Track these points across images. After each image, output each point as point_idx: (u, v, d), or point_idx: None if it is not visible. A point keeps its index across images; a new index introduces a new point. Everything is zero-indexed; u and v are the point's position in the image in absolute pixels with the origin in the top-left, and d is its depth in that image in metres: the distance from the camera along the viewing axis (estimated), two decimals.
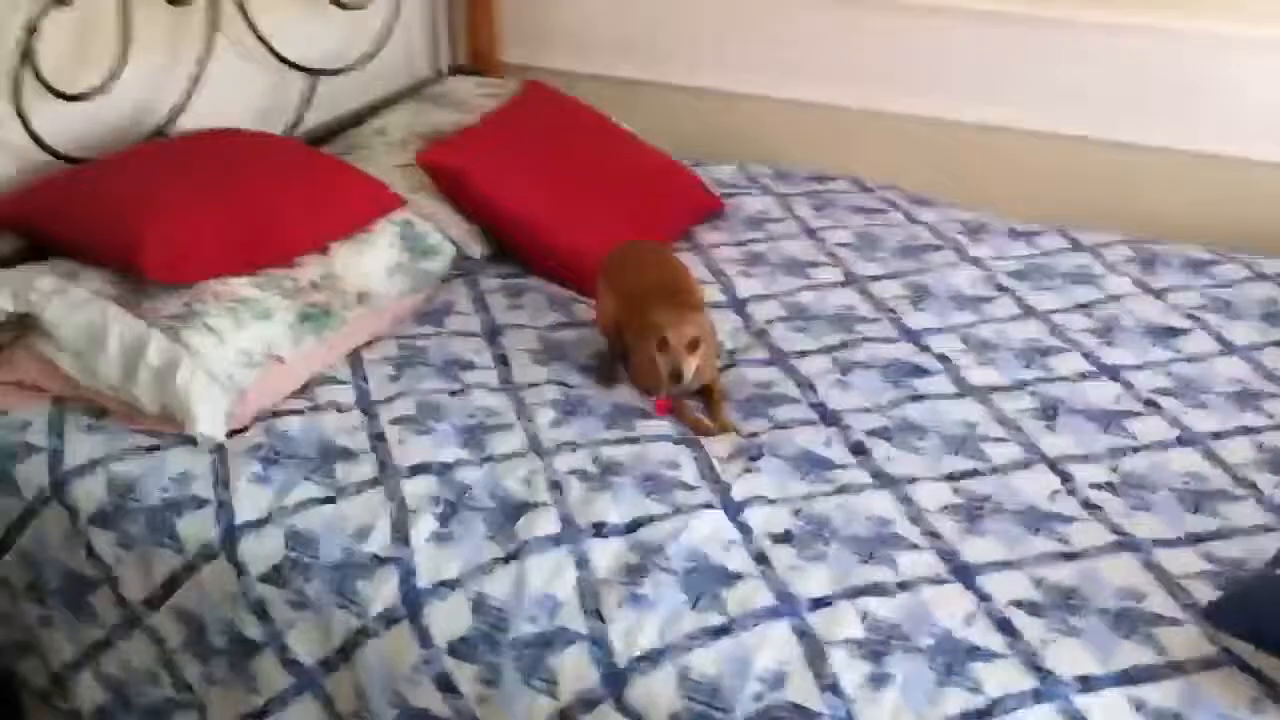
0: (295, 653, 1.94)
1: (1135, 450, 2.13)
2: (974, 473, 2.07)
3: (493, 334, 2.50)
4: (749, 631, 1.75)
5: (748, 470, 2.07)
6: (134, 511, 2.06)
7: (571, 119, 2.99)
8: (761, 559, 1.88)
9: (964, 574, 1.85)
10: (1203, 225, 3.00)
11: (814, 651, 1.72)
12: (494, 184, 2.70)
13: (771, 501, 2.00)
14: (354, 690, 1.91)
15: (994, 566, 1.86)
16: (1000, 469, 2.08)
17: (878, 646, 1.72)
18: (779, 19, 3.31)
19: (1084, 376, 2.34)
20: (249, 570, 1.97)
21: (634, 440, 2.16)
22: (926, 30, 3.17)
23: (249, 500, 2.03)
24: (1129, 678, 1.67)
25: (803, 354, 2.43)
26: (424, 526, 1.96)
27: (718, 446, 2.15)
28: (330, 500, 2.02)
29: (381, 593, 1.89)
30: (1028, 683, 1.66)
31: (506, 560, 1.89)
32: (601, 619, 1.80)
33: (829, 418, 2.23)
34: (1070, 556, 1.88)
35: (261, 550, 1.97)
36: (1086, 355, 2.41)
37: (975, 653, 1.71)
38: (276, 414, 2.22)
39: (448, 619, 1.84)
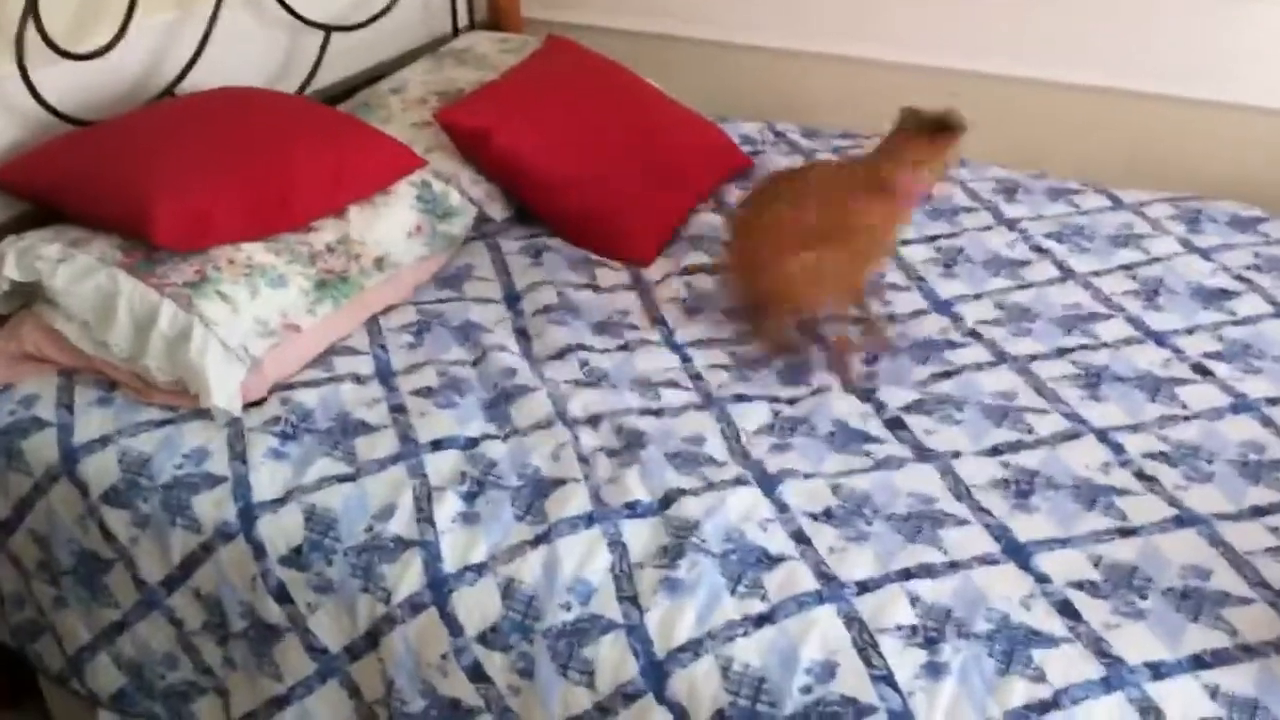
0: (319, 638, 1.87)
1: (1187, 419, 2.04)
2: (1019, 445, 1.99)
3: (513, 299, 2.42)
4: (793, 618, 1.67)
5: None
6: (147, 489, 1.98)
7: (595, 75, 2.89)
8: (801, 538, 1.80)
9: (1017, 553, 1.76)
10: (1244, 180, 2.90)
11: (864, 639, 1.64)
12: (517, 143, 2.60)
13: (808, 476, 1.91)
14: (381, 678, 1.83)
15: (1048, 544, 1.78)
16: (1046, 441, 2.00)
17: (931, 633, 1.64)
18: None
19: (1128, 342, 2.25)
20: (268, 552, 1.89)
21: (657, 412, 2.08)
22: None
23: (266, 477, 1.96)
24: (1201, 662, 1.59)
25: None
26: (449, 506, 1.88)
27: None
28: (350, 478, 1.94)
29: (406, 577, 1.81)
30: (1094, 670, 1.58)
31: (536, 543, 1.81)
32: (638, 606, 1.72)
33: (861, 392, 2.14)
34: (1128, 533, 1.80)
35: (280, 531, 1.90)
36: (1131, 320, 2.31)
37: (1036, 638, 1.63)
38: (293, 385, 2.14)
39: (477, 606, 1.77)
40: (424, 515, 1.87)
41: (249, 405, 2.08)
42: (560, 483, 1.90)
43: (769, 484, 1.89)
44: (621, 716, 1.67)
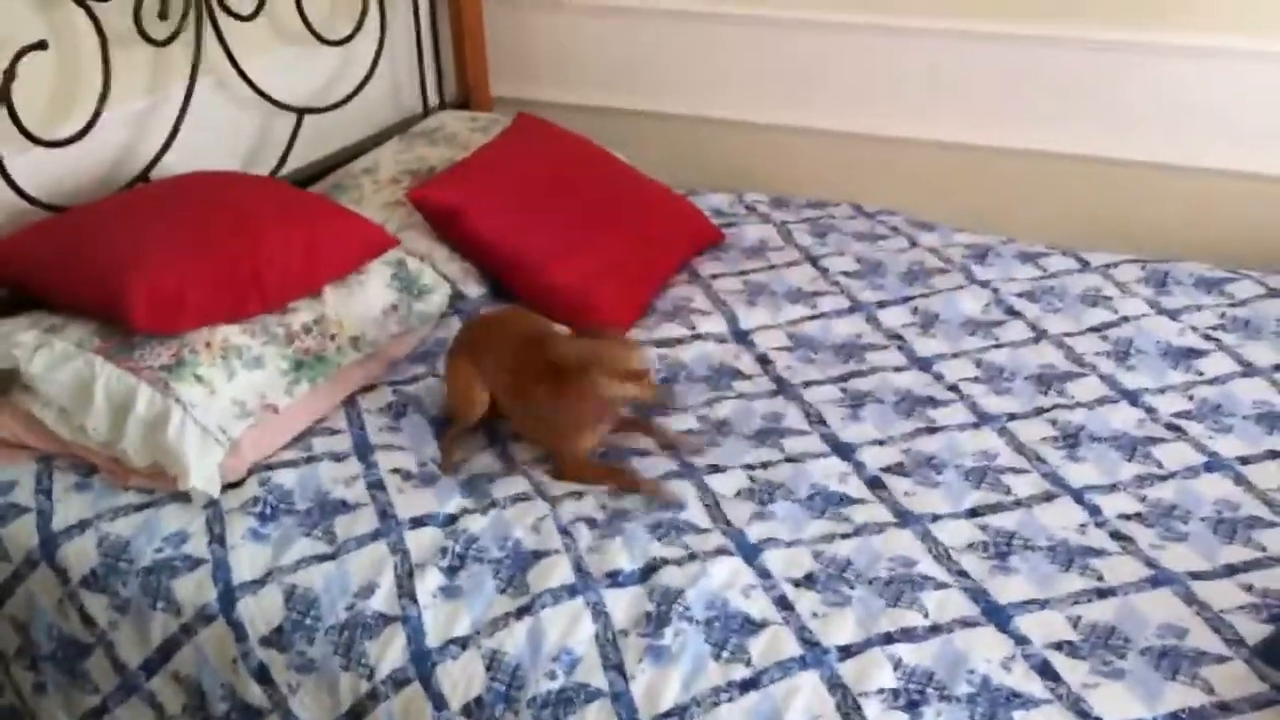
0: (301, 719, 1.85)
1: (1162, 478, 2.07)
2: (998, 507, 2.01)
3: None
4: (777, 683, 1.68)
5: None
6: (127, 573, 1.98)
7: (565, 151, 2.93)
8: (784, 604, 1.81)
9: (997, 615, 1.78)
10: (1207, 241, 2.95)
11: (847, 703, 1.64)
12: (489, 220, 2.63)
13: (789, 544, 1.93)
14: None
15: (1027, 606, 1.79)
16: (1024, 502, 2.01)
17: (914, 696, 1.65)
18: (769, 46, 3.25)
19: (1103, 402, 2.28)
20: (249, 633, 1.89)
21: None
22: (919, 53, 3.12)
23: (246, 559, 1.95)
24: None
25: (809, 384, 2.36)
26: (431, 581, 1.88)
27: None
28: (330, 557, 1.94)
29: (389, 653, 1.81)
30: None
31: (519, 614, 1.81)
32: (623, 673, 1.72)
33: (842, 451, 2.16)
34: (1105, 593, 1.81)
35: (261, 611, 1.89)
36: (1104, 379, 2.34)
37: (1017, 699, 1.64)
38: (271, 466, 2.14)
39: (461, 678, 1.76)
40: (405, 591, 1.87)
41: (228, 487, 2.08)
42: (542, 554, 1.90)
43: (750, 552, 1.90)
44: None
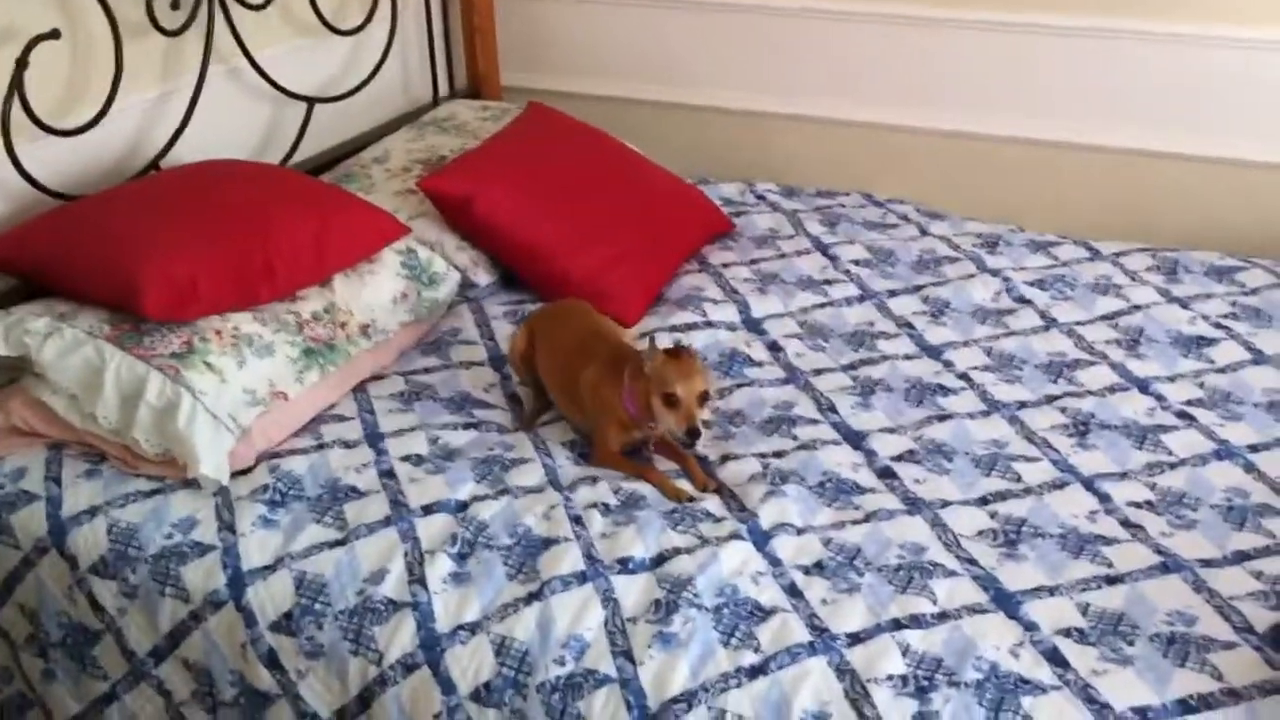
0: (310, 704, 1.86)
1: (1172, 466, 2.06)
2: (1007, 494, 2.00)
3: (499, 363, 2.43)
4: (786, 670, 1.68)
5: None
6: (136, 560, 1.98)
7: (576, 140, 2.93)
8: (793, 591, 1.81)
9: (1005, 602, 1.77)
10: (1217, 230, 2.94)
11: (856, 690, 1.64)
12: (500, 209, 2.63)
13: (800, 531, 1.92)
14: None
15: (1037, 593, 1.79)
16: (1034, 490, 2.01)
17: (922, 682, 1.65)
18: (779, 35, 3.25)
19: (1113, 390, 2.27)
20: (258, 619, 1.89)
21: None
22: (929, 42, 3.11)
23: (256, 545, 1.96)
24: (1188, 707, 1.60)
25: (820, 372, 2.36)
26: (440, 567, 1.88)
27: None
28: (341, 543, 1.94)
29: (398, 638, 1.81)
30: (1083, 717, 1.59)
31: (529, 600, 1.81)
32: (631, 660, 1.72)
33: (853, 439, 2.15)
34: (1114, 580, 1.81)
35: (270, 597, 1.90)
36: (1114, 367, 2.34)
37: (1025, 686, 1.64)
38: (281, 453, 2.15)
39: (470, 664, 1.77)
40: (415, 577, 1.87)
41: (237, 474, 2.09)
42: (553, 541, 1.91)
43: (761, 539, 1.90)
44: None
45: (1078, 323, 2.49)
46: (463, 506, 2.00)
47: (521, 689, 1.73)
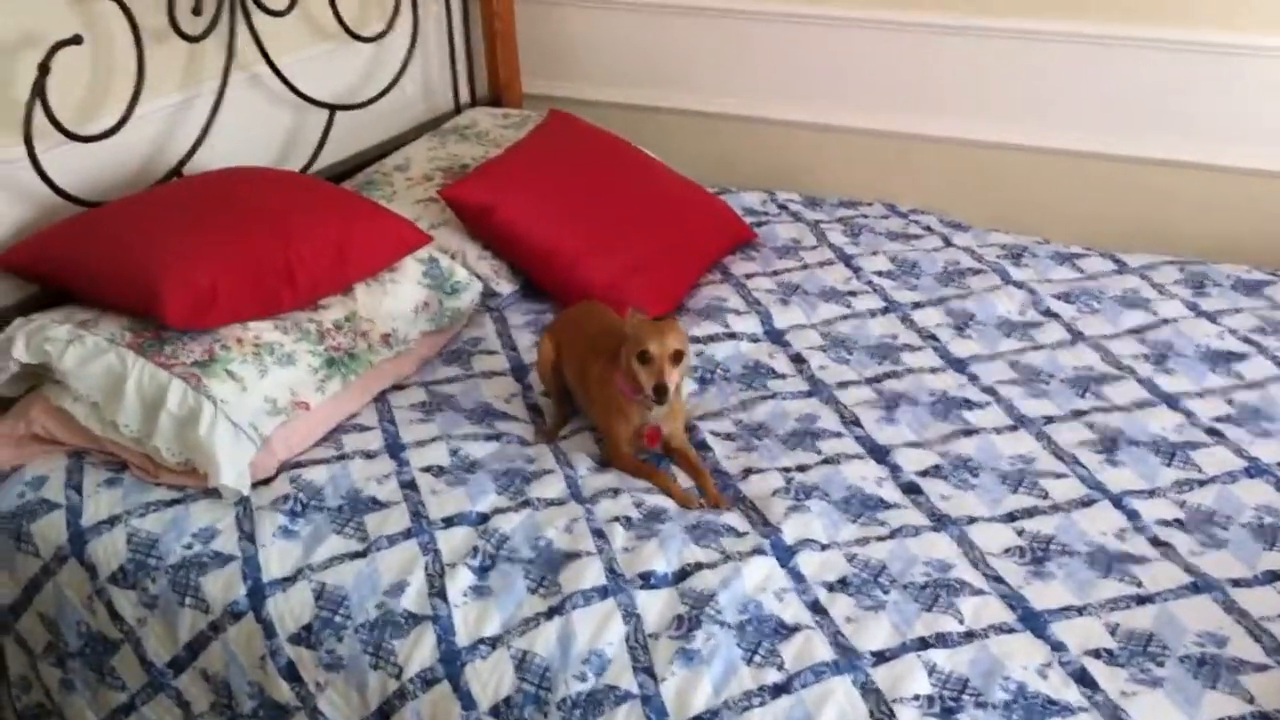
0: (329, 717, 1.85)
1: (1201, 484, 2.04)
2: (1035, 511, 1.98)
3: (521, 373, 2.42)
4: (809, 689, 1.66)
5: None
6: (156, 570, 1.97)
7: (598, 148, 2.91)
8: (817, 608, 1.79)
9: (1033, 621, 1.75)
10: (1244, 243, 2.91)
11: (881, 710, 1.62)
12: (522, 217, 2.62)
13: (824, 547, 1.90)
14: None
15: (1065, 612, 1.77)
16: (1062, 507, 1.99)
17: (949, 703, 1.63)
18: (800, 43, 3.23)
19: (1141, 405, 2.24)
20: (278, 630, 1.88)
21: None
22: (952, 50, 3.09)
23: (276, 556, 1.95)
24: None
25: (844, 385, 2.34)
26: (461, 580, 1.87)
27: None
28: (361, 555, 1.93)
29: (418, 652, 1.80)
30: None
31: (550, 614, 1.80)
32: (653, 676, 1.70)
33: (877, 453, 2.13)
34: (1144, 600, 1.79)
35: (290, 609, 1.88)
36: (1142, 382, 2.31)
37: (1053, 707, 1.62)
38: (302, 464, 2.14)
39: (490, 678, 1.75)
40: (436, 590, 1.86)
41: (258, 484, 2.08)
42: (574, 555, 1.89)
43: (784, 555, 1.88)
44: None
45: (1105, 336, 2.47)
46: (484, 519, 1.99)
47: (542, 705, 1.71)
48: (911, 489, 2.04)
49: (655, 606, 1.80)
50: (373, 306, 2.39)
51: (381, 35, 3.06)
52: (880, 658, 1.70)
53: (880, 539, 1.92)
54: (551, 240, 2.63)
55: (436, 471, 2.10)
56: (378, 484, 2.08)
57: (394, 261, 2.48)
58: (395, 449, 2.17)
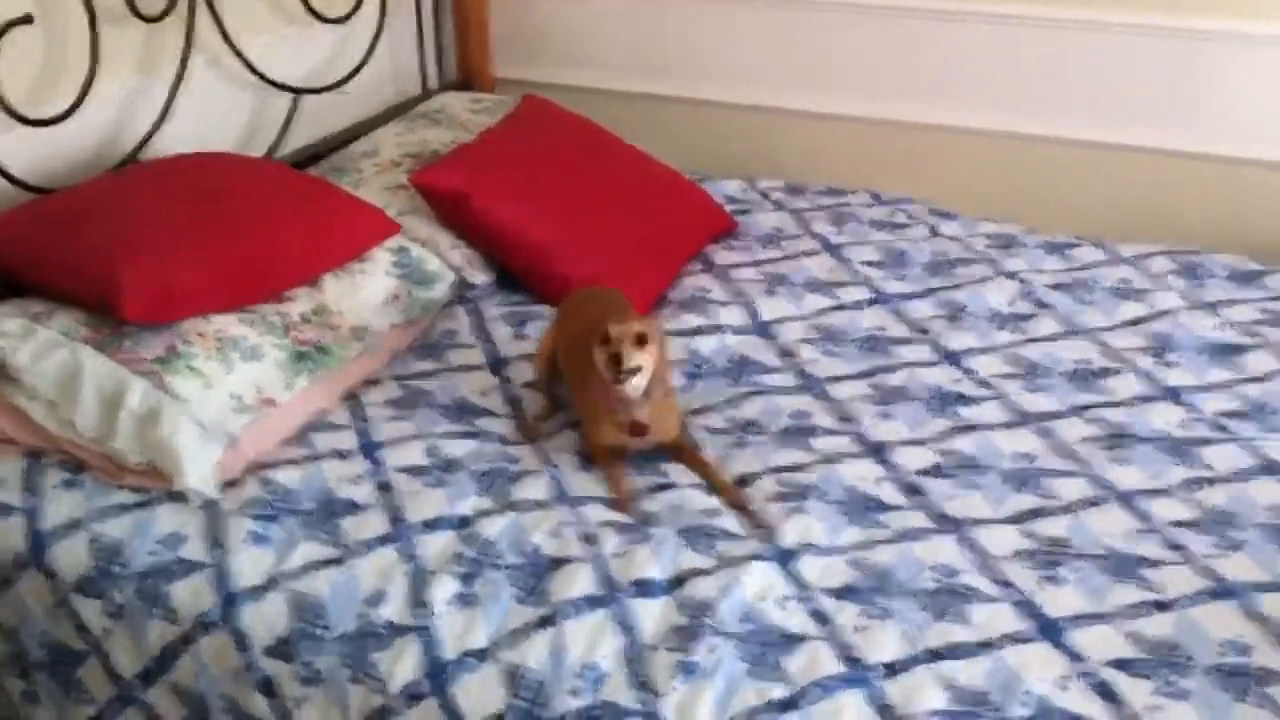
0: None
1: (1212, 482, 1.97)
2: (1042, 512, 1.90)
3: (499, 364, 2.32)
4: (818, 704, 1.57)
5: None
6: (121, 578, 1.86)
7: (574, 134, 2.82)
8: (822, 618, 1.70)
9: (1050, 630, 1.67)
10: (1233, 233, 2.85)
11: None
12: (496, 205, 2.52)
13: (825, 551, 1.82)
14: None
15: (1081, 620, 1.69)
16: (1071, 507, 1.91)
17: (967, 719, 1.54)
18: (781, 27, 3.15)
19: (1145, 400, 2.18)
20: (252, 643, 1.77)
21: (669, 486, 1.97)
22: (935, 35, 3.03)
23: (248, 563, 1.84)
24: None
25: (837, 379, 2.26)
26: (445, 589, 1.77)
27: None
28: (338, 561, 1.83)
29: (402, 666, 1.69)
30: None
31: (540, 625, 1.70)
32: (652, 691, 1.61)
33: (875, 452, 2.05)
34: (1163, 606, 1.71)
35: (264, 620, 1.78)
36: (1144, 376, 2.25)
37: None
38: (271, 464, 2.03)
39: (479, 694, 1.65)
40: (418, 599, 1.76)
41: (225, 486, 1.97)
42: (563, 561, 1.80)
43: (785, 560, 1.79)
44: None
45: (1101, 329, 2.40)
46: (466, 522, 1.89)
47: None
48: (912, 489, 1.96)
49: (651, 616, 1.70)
50: (341, 298, 2.29)
51: (347, 17, 2.95)
52: (891, 670, 1.61)
53: (883, 542, 1.84)
54: (528, 229, 2.53)
55: (414, 472, 2.00)
56: (352, 485, 1.97)
57: (363, 251, 2.38)
58: (369, 448, 2.07)
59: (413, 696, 1.68)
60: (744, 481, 1.99)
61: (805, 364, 2.31)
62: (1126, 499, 1.92)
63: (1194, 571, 1.77)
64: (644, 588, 1.75)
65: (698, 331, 2.41)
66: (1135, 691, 1.57)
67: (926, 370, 2.29)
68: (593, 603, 1.72)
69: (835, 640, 1.66)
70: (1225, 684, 1.58)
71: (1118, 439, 2.07)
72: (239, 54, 2.70)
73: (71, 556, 1.89)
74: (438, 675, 1.68)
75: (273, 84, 2.79)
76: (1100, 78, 2.90)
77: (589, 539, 1.84)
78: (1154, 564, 1.79)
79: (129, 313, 2.02)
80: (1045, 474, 1.99)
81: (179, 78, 2.57)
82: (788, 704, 1.58)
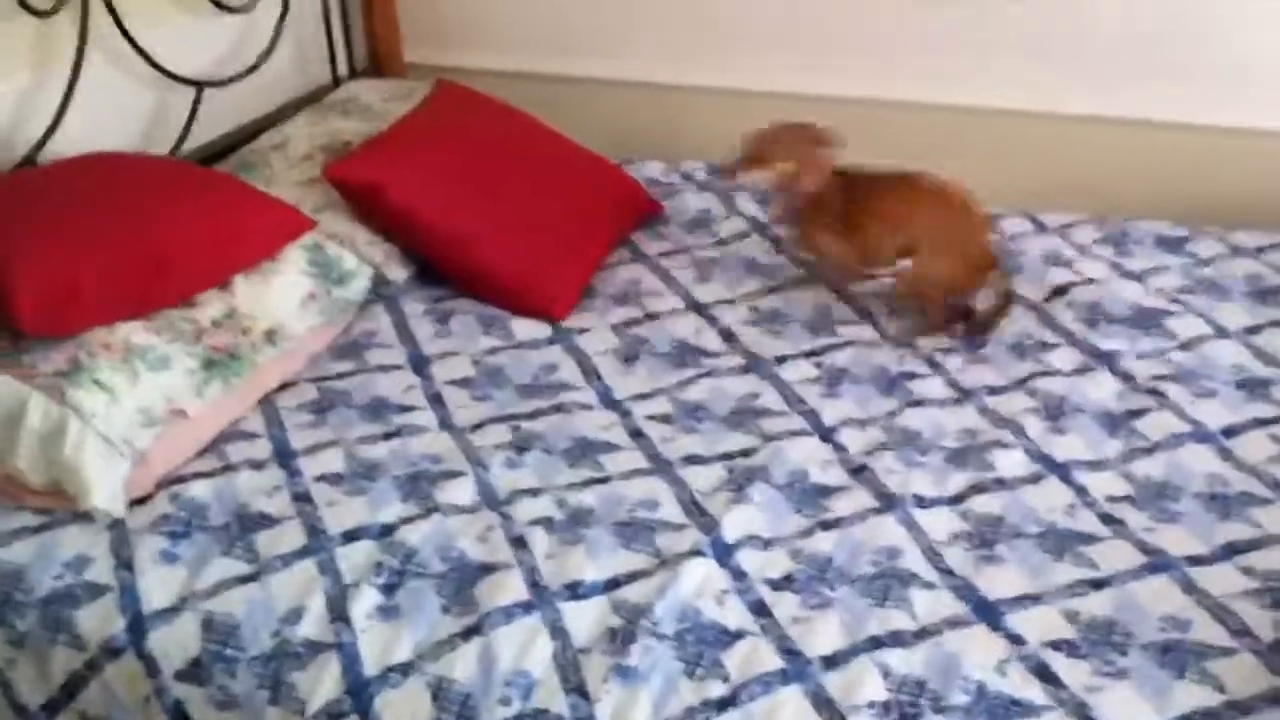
0: None
1: (1148, 451, 1.95)
2: (981, 488, 1.88)
3: (421, 365, 2.25)
4: (758, 701, 1.53)
5: None
6: (23, 605, 1.78)
7: (491, 120, 2.74)
8: (761, 610, 1.66)
9: (987, 612, 1.64)
10: (1159, 197, 2.83)
11: None
12: (413, 197, 2.44)
13: (767, 544, 1.77)
14: None
15: (1020, 601, 1.66)
16: (1009, 483, 1.89)
17: (906, 709, 1.51)
18: (699, 4, 3.09)
19: (1081, 371, 2.16)
20: (162, 667, 1.70)
21: (604, 480, 1.92)
22: (858, 6, 2.97)
23: (157, 584, 1.76)
24: None
25: (783, 360, 2.23)
26: (365, 601, 1.70)
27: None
28: (252, 578, 1.76)
29: (322, 685, 1.63)
30: None
31: (467, 635, 1.64)
32: (586, 697, 1.56)
33: (822, 431, 2.02)
34: (1100, 584, 1.69)
35: (175, 643, 1.70)
36: (1076, 344, 2.23)
37: (1016, 708, 1.51)
38: (182, 478, 1.95)
39: (404, 710, 1.59)
40: (338, 614, 1.69)
41: (134, 503, 1.90)
42: (491, 567, 1.74)
43: (724, 552, 1.75)
44: None
45: (1031, 302, 2.37)
46: (388, 530, 1.82)
47: None
48: (857, 469, 1.93)
49: (585, 619, 1.65)
50: (254, 300, 2.20)
51: (250, 5, 2.86)
52: (831, 662, 1.57)
53: (825, 527, 1.80)
54: (448, 220, 2.45)
55: (332, 480, 1.93)
56: (267, 497, 1.90)
57: (276, 250, 2.29)
58: (285, 456, 2.00)
59: (333, 716, 1.61)
60: (689, 465, 1.95)
61: (748, 345, 2.28)
62: (1064, 473, 1.90)
63: (1131, 545, 1.75)
64: (577, 590, 1.69)
65: (634, 323, 2.37)
66: (1073, 671, 1.55)
67: (870, 349, 2.26)
68: (523, 608, 1.67)
69: (774, 633, 1.62)
70: (1164, 661, 1.56)
71: (1058, 409, 2.06)
72: (137, 47, 2.59)
73: None
74: (359, 693, 1.61)
75: (174, 77, 2.69)
76: (1026, 43, 2.86)
77: (518, 542, 1.78)
78: (1090, 539, 1.76)
79: (24, 323, 1.92)
80: (986, 448, 1.97)
81: (74, 74, 2.46)
82: (726, 702, 1.53)
